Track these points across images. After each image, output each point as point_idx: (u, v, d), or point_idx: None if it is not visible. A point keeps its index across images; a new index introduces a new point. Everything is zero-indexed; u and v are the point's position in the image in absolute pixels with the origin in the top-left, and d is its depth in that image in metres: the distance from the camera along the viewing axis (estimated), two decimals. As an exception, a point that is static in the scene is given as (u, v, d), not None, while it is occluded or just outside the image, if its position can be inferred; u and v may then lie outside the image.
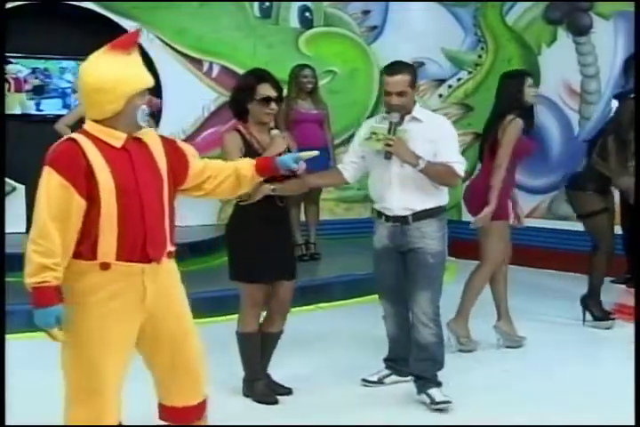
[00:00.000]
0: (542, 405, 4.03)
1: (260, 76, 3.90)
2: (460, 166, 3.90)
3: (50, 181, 2.59)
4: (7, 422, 3.04)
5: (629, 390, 3.53)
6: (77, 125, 5.86)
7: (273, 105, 3.83)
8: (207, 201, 7.73)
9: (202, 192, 3.04)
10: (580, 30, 7.56)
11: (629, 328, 5.23)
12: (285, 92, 6.85)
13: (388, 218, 4.00)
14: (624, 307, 5.64)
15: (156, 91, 7.45)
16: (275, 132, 3.87)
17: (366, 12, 8.40)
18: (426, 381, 3.96)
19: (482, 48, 8.38)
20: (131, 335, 2.77)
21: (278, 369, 4.29)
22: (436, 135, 3.90)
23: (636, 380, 3.59)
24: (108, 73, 2.67)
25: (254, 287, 3.95)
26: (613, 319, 5.44)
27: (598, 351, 5.03)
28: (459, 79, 8.46)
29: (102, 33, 7.21)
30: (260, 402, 4.05)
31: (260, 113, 3.84)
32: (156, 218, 2.76)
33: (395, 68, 3.95)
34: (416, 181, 3.89)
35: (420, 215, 3.94)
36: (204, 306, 5.71)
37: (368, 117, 9.08)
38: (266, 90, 3.82)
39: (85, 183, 2.61)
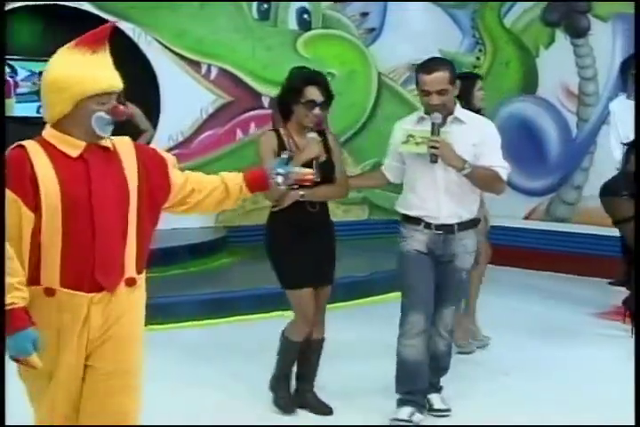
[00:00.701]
0: (542, 405, 4.06)
1: (308, 77, 3.76)
2: (505, 171, 3.68)
3: (3, 194, 2.30)
4: (7, 422, 3.06)
5: (628, 391, 3.56)
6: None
7: (317, 110, 3.68)
8: (206, 203, 7.77)
9: (184, 207, 2.76)
10: (577, 32, 7.62)
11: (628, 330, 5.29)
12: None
13: (428, 225, 3.71)
14: (623, 309, 5.67)
15: (154, 93, 7.50)
16: (311, 135, 3.70)
17: (364, 14, 8.44)
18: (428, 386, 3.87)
19: (480, 50, 8.43)
20: (77, 372, 2.43)
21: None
22: (480, 138, 3.66)
23: (636, 380, 3.62)
24: (63, 71, 2.42)
25: (302, 293, 3.82)
26: None
27: (599, 352, 5.05)
28: (457, 81, 8.49)
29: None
30: (276, 406, 3.98)
31: (302, 116, 3.70)
32: (112, 239, 2.41)
33: (432, 65, 3.67)
34: (462, 187, 3.66)
35: (466, 225, 3.73)
36: (203, 308, 5.78)
37: (366, 120, 9.26)
38: (312, 93, 3.68)
39: (32, 194, 2.31)
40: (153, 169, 2.57)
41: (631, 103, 5.92)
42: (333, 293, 6.25)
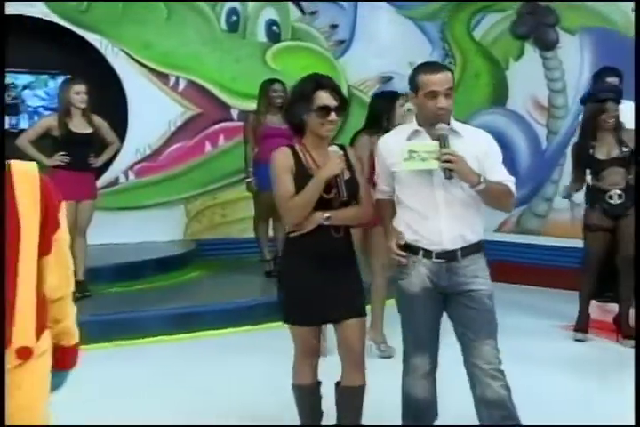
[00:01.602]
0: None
1: (317, 81, 3.36)
2: (513, 185, 3.33)
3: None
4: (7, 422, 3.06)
5: (603, 403, 3.61)
6: (42, 141, 5.92)
7: (333, 115, 3.29)
8: (173, 215, 7.79)
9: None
10: (546, 45, 7.74)
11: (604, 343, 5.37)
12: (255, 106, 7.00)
13: (427, 253, 3.30)
14: (600, 323, 5.75)
15: (122, 105, 7.50)
16: (332, 148, 3.33)
17: (334, 27, 8.51)
18: None
19: (449, 62, 8.51)
20: None
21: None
22: (483, 150, 3.31)
23: (636, 380, 3.66)
24: None
25: (302, 331, 3.40)
26: None
27: (579, 366, 5.11)
28: (427, 93, 8.57)
29: (67, 47, 7.31)
30: None
31: (317, 125, 3.30)
32: None
33: (434, 65, 3.42)
34: (465, 206, 3.28)
35: (470, 250, 3.30)
36: (171, 323, 5.77)
37: (336, 133, 9.18)
38: (324, 98, 3.28)
39: None
40: (51, 211, 2.02)
41: None
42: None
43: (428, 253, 3.30)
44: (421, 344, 3.39)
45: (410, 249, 3.33)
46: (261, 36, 8.22)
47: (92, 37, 7.37)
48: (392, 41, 8.52)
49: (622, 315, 5.52)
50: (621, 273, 5.45)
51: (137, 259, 6.91)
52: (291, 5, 8.31)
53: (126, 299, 6.17)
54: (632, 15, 6.97)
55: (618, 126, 5.40)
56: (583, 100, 5.72)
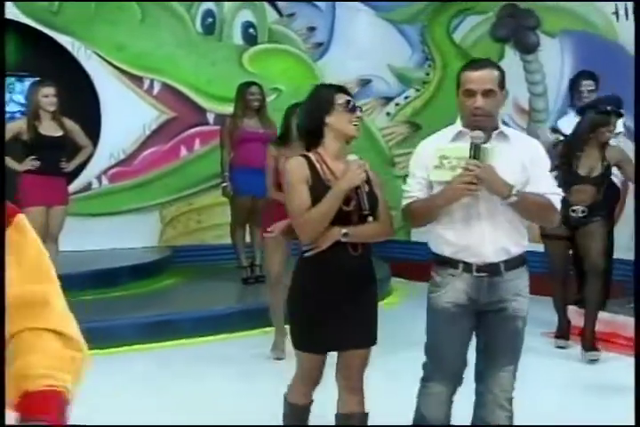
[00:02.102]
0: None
1: (334, 86, 3.29)
2: (558, 199, 3.12)
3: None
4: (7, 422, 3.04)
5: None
6: (11, 145, 5.88)
7: (359, 112, 3.17)
8: (148, 221, 7.76)
9: None
10: (527, 48, 7.79)
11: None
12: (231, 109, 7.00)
13: (468, 267, 3.09)
14: (575, 328, 5.78)
15: (94, 108, 7.47)
16: (352, 157, 3.14)
17: (312, 29, 8.53)
18: None
19: (429, 65, 8.56)
20: None
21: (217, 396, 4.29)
22: (530, 159, 3.08)
23: (635, 380, 3.68)
24: None
25: (312, 358, 3.24)
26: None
27: (550, 373, 5.14)
28: (406, 97, 8.62)
29: (38, 49, 7.27)
30: None
31: (345, 123, 3.13)
32: None
33: (480, 62, 3.18)
34: (509, 216, 3.06)
35: (514, 263, 3.10)
36: (146, 331, 5.74)
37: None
38: (346, 97, 3.18)
39: None
40: None
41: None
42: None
43: (467, 267, 3.08)
44: (445, 370, 3.18)
45: (448, 263, 3.12)
46: (238, 38, 8.22)
47: (63, 39, 7.34)
48: (371, 44, 8.55)
49: (586, 324, 5.43)
50: (588, 279, 5.47)
51: (110, 266, 6.89)
52: (268, 7, 8.32)
53: (99, 307, 6.14)
54: (613, 18, 7.06)
55: (607, 142, 5.42)
56: (583, 109, 5.67)
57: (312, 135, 3.19)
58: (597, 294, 5.45)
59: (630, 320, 5.45)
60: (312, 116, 3.18)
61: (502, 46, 7.99)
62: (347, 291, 3.13)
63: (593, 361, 5.26)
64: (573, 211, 5.36)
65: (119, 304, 6.32)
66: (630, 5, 6.89)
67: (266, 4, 8.30)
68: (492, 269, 3.07)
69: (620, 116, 5.45)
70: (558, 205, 3.11)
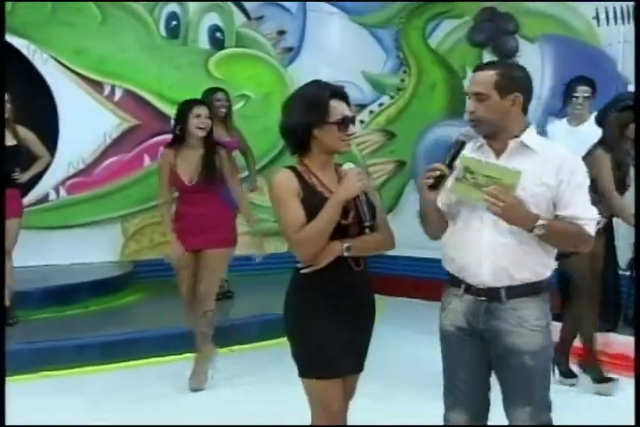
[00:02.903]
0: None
1: (329, 89, 3.06)
2: (593, 224, 2.90)
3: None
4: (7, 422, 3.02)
5: None
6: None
7: (353, 128, 3.05)
8: (109, 235, 7.70)
9: None
10: (505, 53, 7.83)
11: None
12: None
13: (469, 288, 2.97)
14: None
15: (52, 115, 7.40)
16: (349, 166, 3.03)
17: (281, 33, 8.53)
18: None
19: (404, 71, 8.58)
20: None
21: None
22: (558, 176, 2.86)
23: (635, 380, 3.69)
24: None
25: (327, 386, 3.02)
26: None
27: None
28: (380, 104, 8.63)
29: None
30: None
31: (335, 140, 3.01)
32: None
33: (487, 63, 3.06)
34: (518, 238, 2.86)
35: (520, 290, 2.90)
36: (106, 351, 5.68)
37: (284, 146, 9.21)
38: (341, 109, 3.02)
39: None
40: None
41: (571, 129, 6.08)
42: (248, 332, 6.34)
43: (469, 288, 2.96)
44: (456, 396, 3.04)
45: (453, 282, 3.02)
46: (204, 42, 8.19)
47: (17, 42, 7.27)
48: (344, 49, 8.57)
49: (586, 340, 5.33)
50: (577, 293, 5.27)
51: (69, 282, 6.82)
52: (235, 10, 8.31)
53: (57, 326, 6.08)
54: (594, 23, 7.12)
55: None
56: (607, 110, 5.39)
57: (299, 144, 3.04)
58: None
59: (607, 336, 5.52)
60: (299, 126, 2.99)
61: (480, 51, 8.03)
62: (350, 308, 3.04)
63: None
64: None
65: (78, 323, 6.26)
66: (612, 10, 6.97)
67: (233, 7, 8.29)
68: (491, 294, 2.92)
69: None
70: (593, 231, 2.89)
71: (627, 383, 5.11)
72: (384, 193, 8.05)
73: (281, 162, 8.30)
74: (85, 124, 7.46)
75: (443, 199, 2.97)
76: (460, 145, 2.91)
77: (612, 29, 6.97)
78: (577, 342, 5.39)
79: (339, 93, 3.06)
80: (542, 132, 7.14)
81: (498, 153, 2.92)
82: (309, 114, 2.98)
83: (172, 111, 7.94)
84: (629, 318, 6.09)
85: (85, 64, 7.59)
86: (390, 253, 3.26)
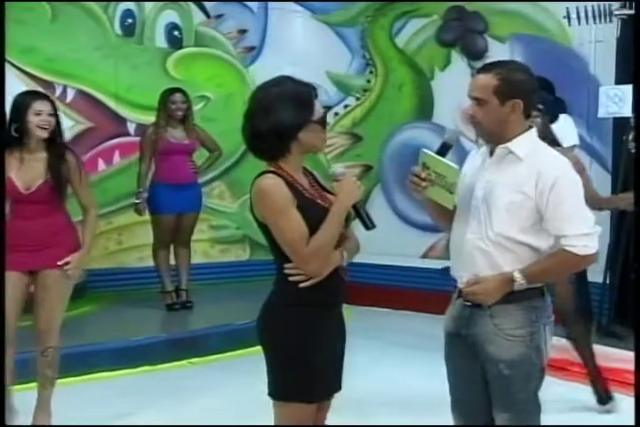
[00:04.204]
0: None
1: (312, 87, 2.98)
2: (582, 240, 2.86)
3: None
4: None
5: None
6: None
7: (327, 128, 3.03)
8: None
9: None
10: (474, 53, 7.89)
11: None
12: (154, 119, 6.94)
13: (459, 293, 3.05)
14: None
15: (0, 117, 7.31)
16: (339, 169, 2.97)
17: (242, 32, 8.52)
18: None
19: (370, 72, 8.61)
20: None
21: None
22: (539, 186, 2.85)
23: (635, 379, 3.71)
24: None
25: (311, 409, 2.94)
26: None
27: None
28: (346, 106, 8.65)
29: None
30: None
31: (319, 140, 2.93)
32: None
33: (489, 64, 3.02)
34: (499, 246, 2.92)
35: (504, 298, 2.95)
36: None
37: (246, 149, 9.18)
38: (320, 105, 2.95)
39: None
40: None
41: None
42: (208, 344, 6.31)
43: (459, 293, 3.04)
44: (452, 399, 3.16)
45: (455, 286, 3.11)
46: (161, 41, 8.15)
47: (-38, 40, 7.19)
48: (307, 48, 8.58)
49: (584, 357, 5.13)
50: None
51: (18, 292, 6.73)
52: (194, 8, 8.28)
53: (5, 338, 5.98)
54: (564, 22, 7.20)
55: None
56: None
57: (278, 149, 2.90)
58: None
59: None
60: (287, 127, 2.85)
61: (449, 51, 8.09)
62: (338, 321, 3.03)
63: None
64: None
65: (26, 336, 6.16)
66: (583, 9, 7.05)
67: (192, 4, 8.26)
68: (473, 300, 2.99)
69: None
70: (584, 249, 2.86)
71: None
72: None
73: (242, 166, 8.30)
74: (36, 126, 7.38)
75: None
76: (445, 147, 2.96)
77: (583, 29, 7.06)
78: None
79: (317, 93, 2.98)
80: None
81: (491, 156, 2.99)
82: (298, 113, 2.86)
83: (128, 113, 7.94)
84: (603, 327, 6.16)
85: (35, 63, 7.51)
86: (355, 259, 3.25)
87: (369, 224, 2.95)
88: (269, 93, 2.92)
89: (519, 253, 2.91)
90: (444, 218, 3.10)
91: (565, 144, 5.42)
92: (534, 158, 2.91)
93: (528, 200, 2.86)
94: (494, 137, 2.95)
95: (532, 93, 2.97)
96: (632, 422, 3.74)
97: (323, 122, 2.94)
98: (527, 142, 2.95)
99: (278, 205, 2.80)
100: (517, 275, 2.85)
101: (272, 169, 2.90)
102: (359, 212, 2.94)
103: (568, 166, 2.93)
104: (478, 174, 2.99)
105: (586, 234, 2.86)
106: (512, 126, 2.93)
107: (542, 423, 3.06)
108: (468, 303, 2.98)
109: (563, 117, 5.55)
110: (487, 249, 2.92)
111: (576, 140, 5.75)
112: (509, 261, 2.91)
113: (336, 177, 2.93)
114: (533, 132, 3.00)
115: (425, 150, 2.97)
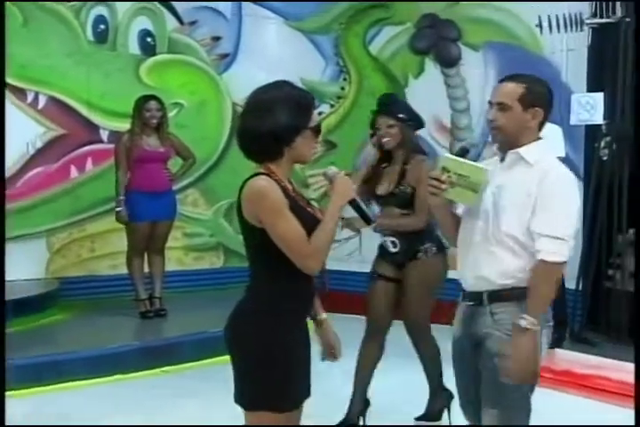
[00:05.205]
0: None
1: (312, 95, 3.06)
2: (547, 246, 2.98)
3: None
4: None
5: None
6: None
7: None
8: (33, 250, 7.60)
9: None
10: (448, 61, 7.96)
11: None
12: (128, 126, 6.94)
13: (464, 293, 3.25)
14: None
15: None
16: (333, 170, 3.01)
17: (216, 38, 8.54)
18: None
19: (344, 79, 8.67)
20: None
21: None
22: (539, 189, 3.03)
23: (635, 379, 3.76)
24: None
25: (291, 416, 2.97)
26: None
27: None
28: (320, 113, 8.67)
29: None
30: None
31: (310, 148, 2.96)
32: None
33: (512, 75, 3.23)
34: (505, 247, 3.08)
35: (501, 295, 3.10)
36: (29, 374, 5.60)
37: (219, 156, 9.33)
38: (317, 116, 3.02)
39: None
40: None
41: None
42: (182, 352, 6.31)
43: (463, 294, 3.24)
44: (464, 402, 3.33)
45: (461, 286, 3.28)
46: (134, 47, 8.15)
47: None
48: (281, 55, 8.61)
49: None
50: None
51: (-11, 301, 6.72)
52: (167, 14, 8.29)
53: (-24, 347, 5.96)
54: (537, 30, 7.29)
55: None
56: None
57: (273, 152, 2.92)
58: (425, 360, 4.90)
59: (552, 352, 5.62)
60: (286, 130, 2.88)
61: (422, 59, 8.15)
62: (307, 331, 3.02)
63: None
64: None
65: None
66: (554, 17, 7.14)
67: (165, 11, 8.28)
68: (475, 299, 3.16)
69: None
70: (551, 256, 2.97)
71: (572, 400, 5.24)
72: (324, 206, 8.08)
73: (216, 173, 8.32)
74: (7, 133, 7.35)
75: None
76: (464, 152, 3.14)
77: (555, 38, 7.15)
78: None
79: (313, 98, 3.05)
80: (486, 142, 7.31)
81: (502, 161, 3.18)
82: (297, 117, 2.89)
83: (101, 120, 7.93)
84: (575, 334, 6.22)
85: (6, 70, 7.49)
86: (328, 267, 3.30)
87: (368, 219, 3.07)
88: (270, 95, 2.94)
89: (521, 256, 3.05)
90: (454, 229, 3.26)
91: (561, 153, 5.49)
92: (542, 164, 3.09)
93: (531, 199, 3.02)
94: (510, 142, 3.13)
95: (549, 105, 3.18)
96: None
97: (317, 130, 2.97)
98: (537, 150, 3.14)
99: (277, 205, 2.82)
100: (523, 322, 2.96)
101: (264, 171, 2.91)
102: (358, 208, 3.03)
103: (570, 176, 3.12)
104: (490, 181, 3.13)
105: (559, 238, 2.97)
106: (528, 133, 3.13)
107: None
108: (470, 303, 3.17)
109: (548, 127, 5.59)
110: (492, 249, 3.08)
111: (560, 152, 5.63)
112: (512, 262, 3.07)
113: (329, 178, 2.98)
114: (543, 142, 3.19)
115: (446, 154, 3.16)
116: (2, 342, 1.67)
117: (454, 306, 3.31)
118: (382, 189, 4.79)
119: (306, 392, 3.03)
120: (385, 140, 4.78)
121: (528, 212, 3.02)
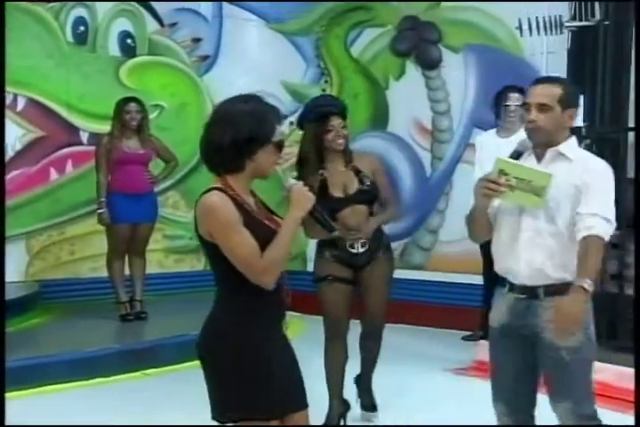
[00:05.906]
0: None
1: (277, 109, 3.07)
2: (601, 224, 3.15)
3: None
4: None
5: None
6: None
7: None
8: (12, 253, 7.57)
9: None
10: (429, 63, 7.99)
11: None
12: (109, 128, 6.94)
13: (512, 287, 3.34)
14: (483, 364, 5.88)
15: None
16: (290, 182, 3.01)
17: (196, 40, 8.54)
18: None
19: (325, 81, 8.67)
20: None
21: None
22: (582, 177, 3.22)
23: (636, 379, 3.78)
24: None
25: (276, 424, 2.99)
26: None
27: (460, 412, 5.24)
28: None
29: None
30: None
31: (270, 163, 2.97)
32: None
33: (547, 77, 3.49)
34: (556, 239, 3.24)
35: (557, 288, 3.22)
36: (8, 378, 5.57)
37: (200, 159, 9.21)
38: (281, 132, 3.02)
39: None
40: None
41: (501, 141, 6.20)
42: (163, 355, 6.31)
43: (512, 287, 3.34)
44: (498, 390, 3.43)
45: (501, 282, 3.41)
46: (114, 49, 8.16)
47: None
48: (262, 57, 8.62)
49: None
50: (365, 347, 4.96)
51: (-32, 304, 6.69)
52: (147, 16, 8.30)
53: (-44, 351, 5.94)
54: (517, 33, 7.33)
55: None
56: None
57: (233, 164, 2.93)
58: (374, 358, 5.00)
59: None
60: (248, 142, 2.89)
61: (403, 61, 8.17)
62: (283, 335, 3.06)
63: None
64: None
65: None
66: (534, 20, 7.19)
67: (145, 13, 8.28)
68: (530, 293, 3.28)
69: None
70: (601, 231, 3.14)
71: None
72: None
73: (197, 176, 8.32)
74: (-15, 135, 7.35)
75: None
76: (518, 155, 3.29)
77: (534, 40, 7.20)
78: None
79: (279, 114, 3.06)
80: (468, 144, 7.36)
81: (539, 160, 3.31)
82: (260, 130, 2.91)
83: (80, 122, 7.92)
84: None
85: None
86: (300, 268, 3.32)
87: (329, 228, 3.09)
88: (235, 107, 2.96)
89: (573, 241, 3.19)
90: (486, 230, 3.40)
91: None
92: (581, 159, 3.31)
93: (579, 191, 3.20)
94: (548, 141, 3.28)
95: (579, 106, 3.40)
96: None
97: (280, 145, 2.97)
98: (573, 146, 3.35)
99: (228, 220, 2.83)
100: (585, 283, 3.08)
101: (219, 186, 2.92)
102: (317, 218, 3.03)
103: (607, 166, 3.33)
104: None
105: (609, 220, 3.17)
106: (564, 133, 3.32)
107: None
108: (522, 296, 3.28)
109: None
110: (548, 243, 3.23)
111: None
112: (569, 255, 3.19)
113: (286, 191, 2.99)
114: (574, 138, 3.37)
115: (503, 157, 3.25)
116: (2, 342, 1.67)
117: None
118: (340, 191, 4.75)
119: (298, 398, 3.04)
120: (340, 141, 4.83)
121: (579, 203, 3.19)
